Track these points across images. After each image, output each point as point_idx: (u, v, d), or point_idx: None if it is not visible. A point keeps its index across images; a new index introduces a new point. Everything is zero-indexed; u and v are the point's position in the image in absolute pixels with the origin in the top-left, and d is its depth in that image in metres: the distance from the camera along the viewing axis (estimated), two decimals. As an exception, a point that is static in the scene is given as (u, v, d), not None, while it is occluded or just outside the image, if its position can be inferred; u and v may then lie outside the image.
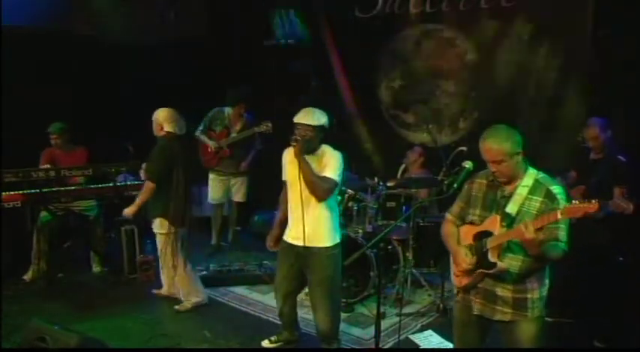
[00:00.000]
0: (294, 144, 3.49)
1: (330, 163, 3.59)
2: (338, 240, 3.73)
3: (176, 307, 4.67)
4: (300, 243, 3.63)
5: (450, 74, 6.05)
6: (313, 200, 3.58)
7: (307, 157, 3.55)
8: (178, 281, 4.64)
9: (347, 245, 4.68)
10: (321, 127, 3.59)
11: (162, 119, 4.48)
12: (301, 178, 3.49)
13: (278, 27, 6.80)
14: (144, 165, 4.67)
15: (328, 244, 3.66)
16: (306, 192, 3.54)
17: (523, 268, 2.71)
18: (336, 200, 3.80)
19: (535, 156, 2.78)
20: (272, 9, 6.84)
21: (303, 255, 3.66)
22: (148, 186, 4.42)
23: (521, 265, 2.71)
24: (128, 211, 4.57)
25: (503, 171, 2.70)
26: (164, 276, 4.75)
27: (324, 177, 3.55)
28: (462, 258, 2.85)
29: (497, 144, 2.66)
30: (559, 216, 2.49)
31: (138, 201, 4.51)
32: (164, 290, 4.87)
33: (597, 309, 4.07)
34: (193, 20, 6.93)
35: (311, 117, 3.58)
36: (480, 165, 2.90)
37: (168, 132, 4.47)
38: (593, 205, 2.42)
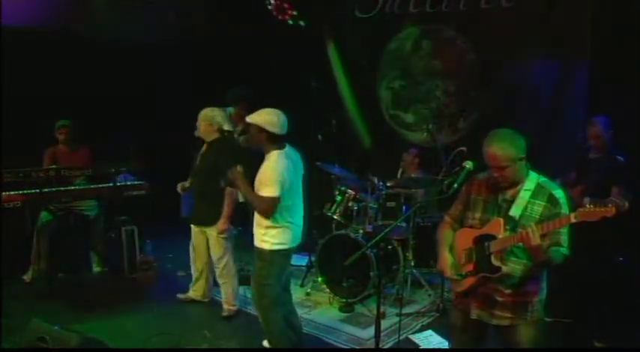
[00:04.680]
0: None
1: (264, 178, 3.49)
2: (275, 247, 3.58)
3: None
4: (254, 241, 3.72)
5: (450, 74, 6.05)
6: None
7: None
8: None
9: (347, 245, 4.74)
10: (261, 128, 3.48)
11: (222, 119, 4.49)
12: (254, 181, 3.55)
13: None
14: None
15: (265, 247, 3.60)
16: None
17: (525, 272, 2.70)
18: (281, 210, 3.56)
19: (535, 156, 2.76)
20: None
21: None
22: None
23: (524, 269, 2.70)
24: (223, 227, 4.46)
25: (507, 176, 2.66)
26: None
27: (261, 197, 3.48)
28: (446, 265, 2.87)
29: (502, 150, 2.61)
30: (572, 219, 2.45)
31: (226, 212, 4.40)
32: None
33: (597, 309, 4.08)
34: (193, 20, 6.92)
35: (252, 116, 3.54)
36: (480, 165, 2.90)
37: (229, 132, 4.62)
38: (609, 210, 2.37)
